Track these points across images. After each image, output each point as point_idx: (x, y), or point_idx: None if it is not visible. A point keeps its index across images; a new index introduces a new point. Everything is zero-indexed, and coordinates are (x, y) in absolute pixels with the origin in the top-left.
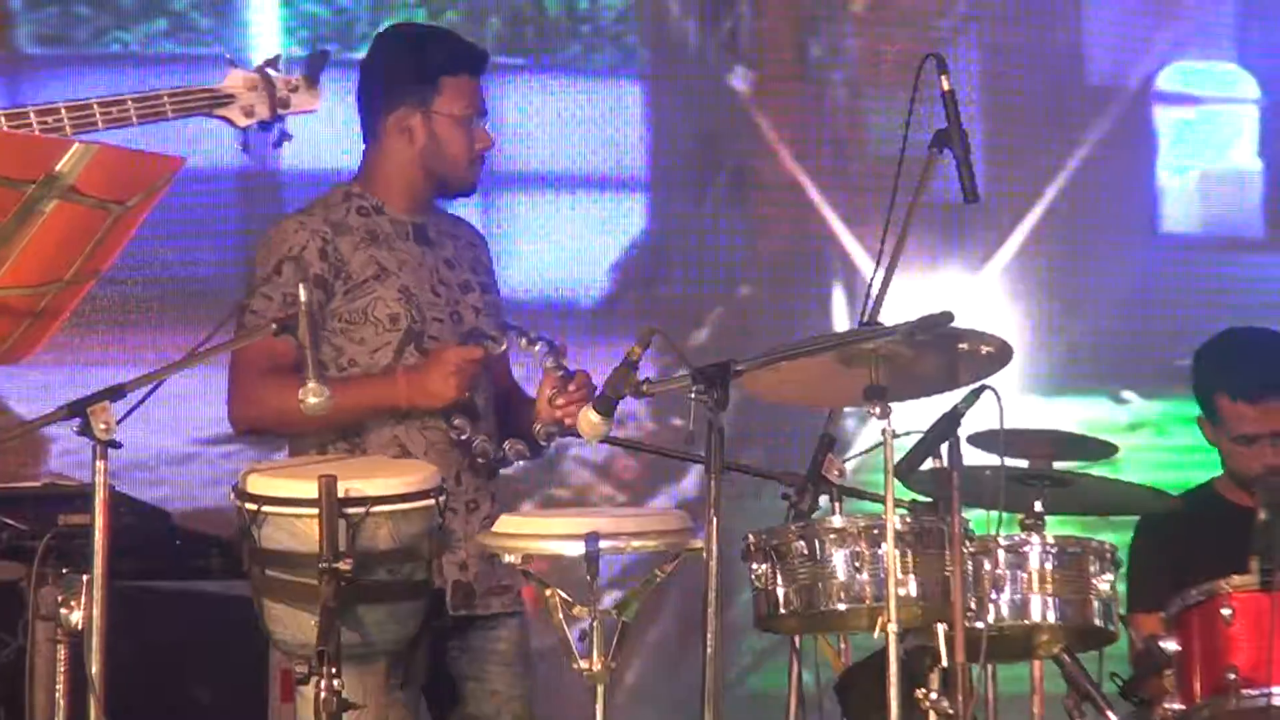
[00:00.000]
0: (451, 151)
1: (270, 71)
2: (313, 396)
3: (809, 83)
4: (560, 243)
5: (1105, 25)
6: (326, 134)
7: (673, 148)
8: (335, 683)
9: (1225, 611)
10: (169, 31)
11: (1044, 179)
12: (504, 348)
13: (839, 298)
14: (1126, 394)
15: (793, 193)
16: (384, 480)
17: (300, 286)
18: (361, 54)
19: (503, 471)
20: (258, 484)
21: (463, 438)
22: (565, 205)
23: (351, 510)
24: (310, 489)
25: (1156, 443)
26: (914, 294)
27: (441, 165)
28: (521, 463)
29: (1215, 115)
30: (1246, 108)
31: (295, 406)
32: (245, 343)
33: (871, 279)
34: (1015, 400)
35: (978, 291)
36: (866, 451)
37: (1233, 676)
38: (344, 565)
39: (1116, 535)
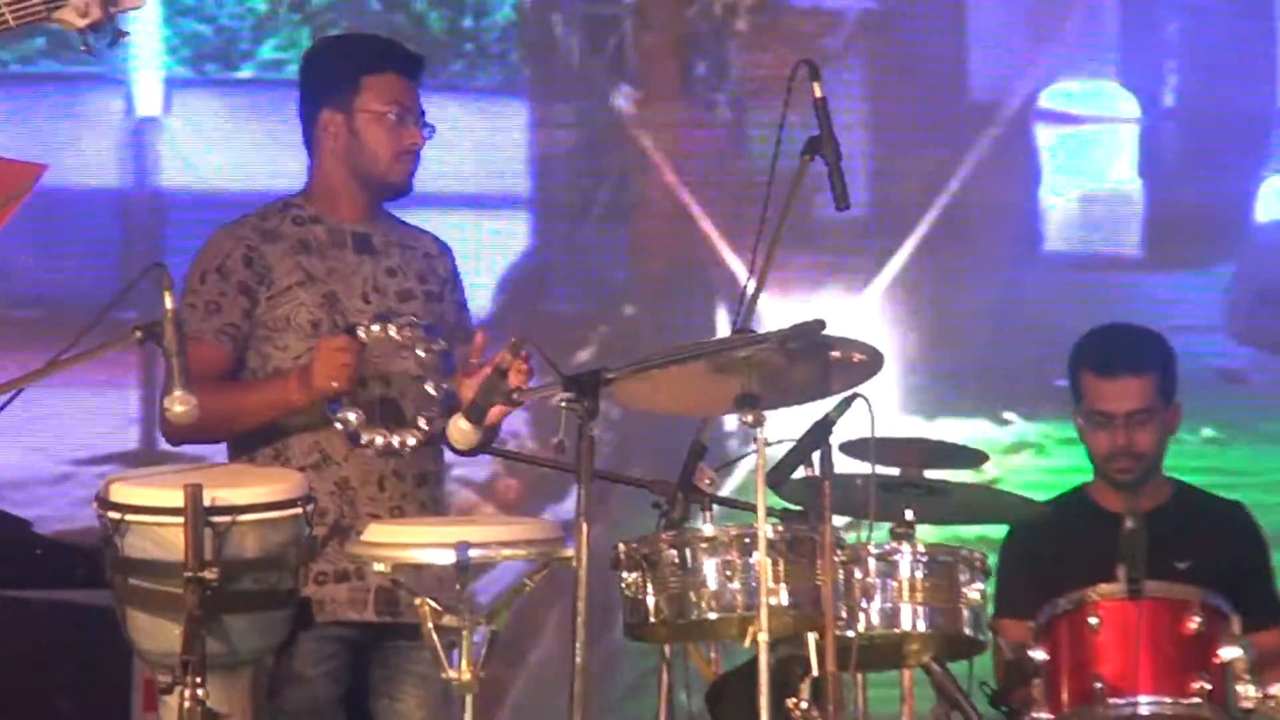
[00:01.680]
0: (373, 148)
1: None
2: (178, 405)
3: (692, 101)
4: None
5: (988, 44)
6: (208, 154)
7: (555, 166)
8: (200, 692)
9: (1092, 620)
10: (48, 50)
11: (927, 198)
12: (372, 334)
13: (723, 315)
14: (1007, 414)
15: (676, 211)
16: (250, 489)
17: (165, 294)
18: (244, 73)
19: None
20: (121, 492)
21: (349, 430)
22: (449, 223)
23: (217, 519)
24: (175, 498)
25: (1037, 463)
26: (797, 315)
27: (364, 162)
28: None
29: (1096, 134)
30: (1127, 127)
31: (223, 412)
32: (105, 352)
33: (745, 286)
34: (897, 420)
35: (860, 312)
36: (738, 460)
37: (1099, 685)
38: (209, 574)
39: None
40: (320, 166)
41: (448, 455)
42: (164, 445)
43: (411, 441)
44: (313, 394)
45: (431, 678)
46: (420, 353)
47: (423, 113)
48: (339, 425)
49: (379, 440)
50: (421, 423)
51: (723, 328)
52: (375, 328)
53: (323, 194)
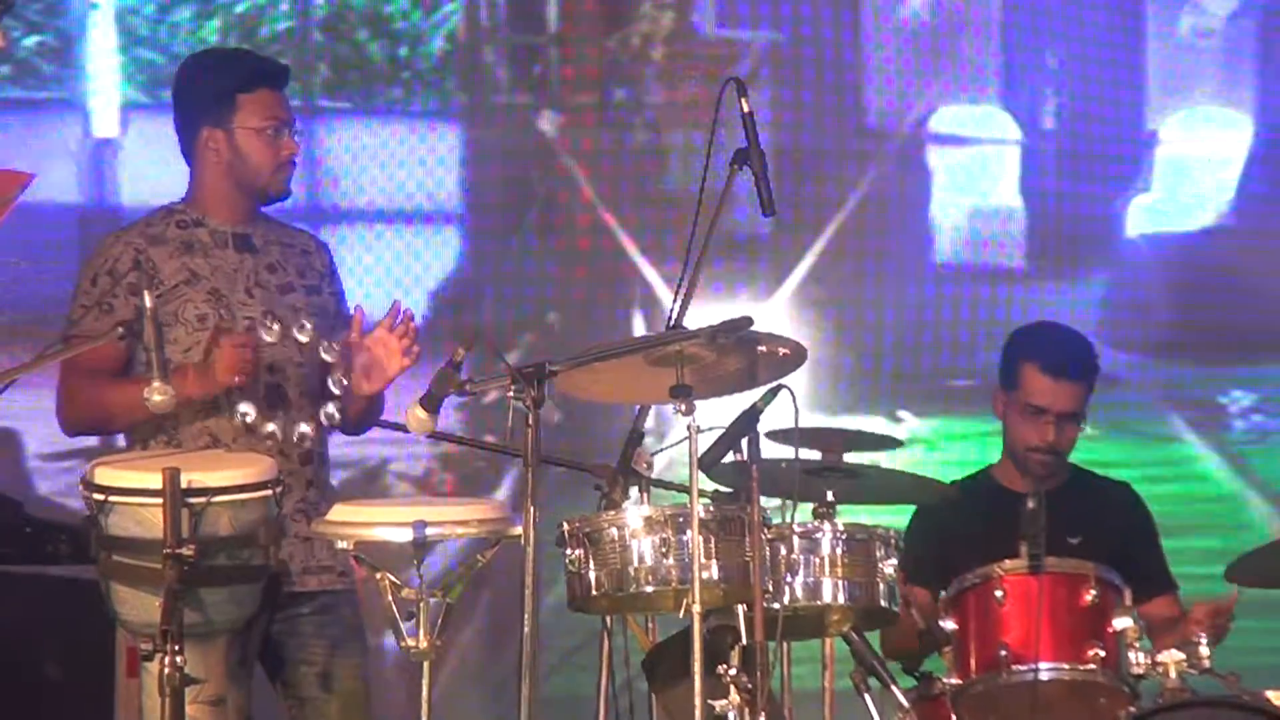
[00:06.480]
0: (255, 162)
1: None
2: (157, 395)
3: (611, 125)
4: (382, 272)
5: (883, 73)
6: (166, 171)
7: (485, 185)
8: (178, 659)
9: (998, 593)
10: (12, 77)
11: (827, 214)
12: (272, 333)
13: (638, 322)
14: (901, 413)
15: (596, 227)
16: (224, 472)
17: (145, 294)
18: None
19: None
20: (105, 475)
21: (248, 421)
22: (387, 238)
23: (194, 500)
24: (155, 480)
25: (928, 458)
26: (713, 319)
27: (247, 176)
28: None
29: (982, 155)
30: (1010, 148)
31: (114, 406)
32: (90, 346)
33: (677, 286)
34: (802, 416)
35: (767, 317)
36: (671, 445)
37: (1004, 653)
38: (187, 551)
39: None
40: (202, 176)
41: (388, 449)
42: (121, 440)
43: (308, 430)
44: (211, 388)
45: (342, 635)
46: (325, 356)
47: (294, 120)
48: (239, 419)
49: (270, 428)
50: (323, 415)
51: (639, 332)
52: (275, 327)
53: (205, 200)
